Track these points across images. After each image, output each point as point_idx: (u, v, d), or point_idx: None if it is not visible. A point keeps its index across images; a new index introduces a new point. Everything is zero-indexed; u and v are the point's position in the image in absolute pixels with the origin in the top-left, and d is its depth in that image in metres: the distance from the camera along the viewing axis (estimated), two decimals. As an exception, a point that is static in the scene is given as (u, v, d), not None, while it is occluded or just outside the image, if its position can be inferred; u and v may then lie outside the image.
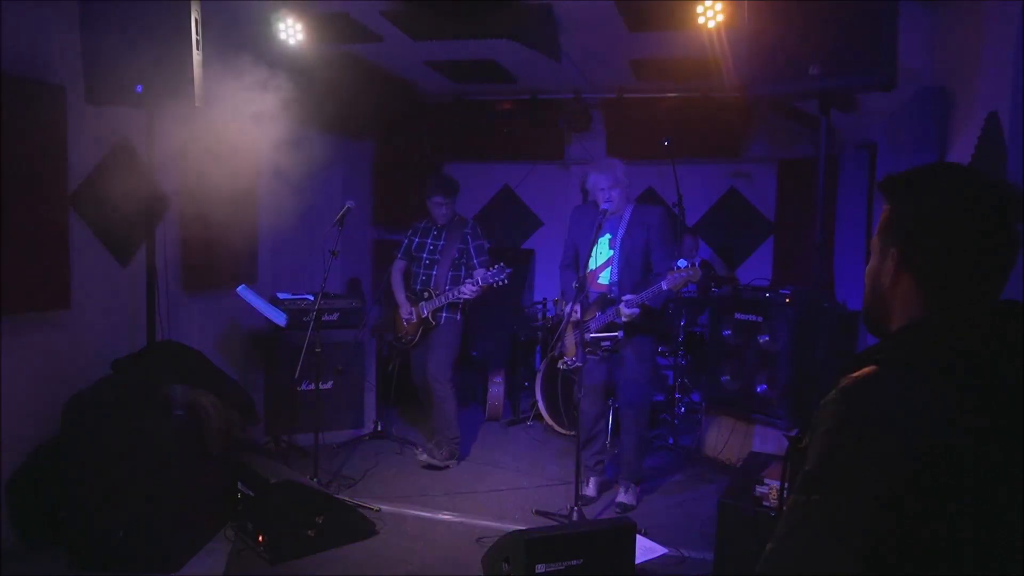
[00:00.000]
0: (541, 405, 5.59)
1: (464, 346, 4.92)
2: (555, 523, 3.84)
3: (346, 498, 3.93)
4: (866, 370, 1.03)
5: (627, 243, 4.06)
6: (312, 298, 4.70)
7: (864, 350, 1.09)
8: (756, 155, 6.74)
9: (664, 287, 3.72)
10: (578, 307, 4.02)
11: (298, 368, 4.34)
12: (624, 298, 3.91)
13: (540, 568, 2.91)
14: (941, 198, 1.09)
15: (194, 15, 3.33)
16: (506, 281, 4.39)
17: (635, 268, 4.06)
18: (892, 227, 1.13)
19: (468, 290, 4.45)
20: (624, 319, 3.91)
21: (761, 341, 4.68)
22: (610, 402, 4.67)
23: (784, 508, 1.04)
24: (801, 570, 0.95)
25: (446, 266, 4.69)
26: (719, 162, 6.82)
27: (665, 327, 5.04)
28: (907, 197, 1.12)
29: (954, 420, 0.94)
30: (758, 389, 4.68)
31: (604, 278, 4.14)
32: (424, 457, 4.71)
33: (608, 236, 4.12)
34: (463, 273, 4.68)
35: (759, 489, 2.98)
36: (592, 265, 4.15)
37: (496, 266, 4.40)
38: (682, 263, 3.65)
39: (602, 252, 4.15)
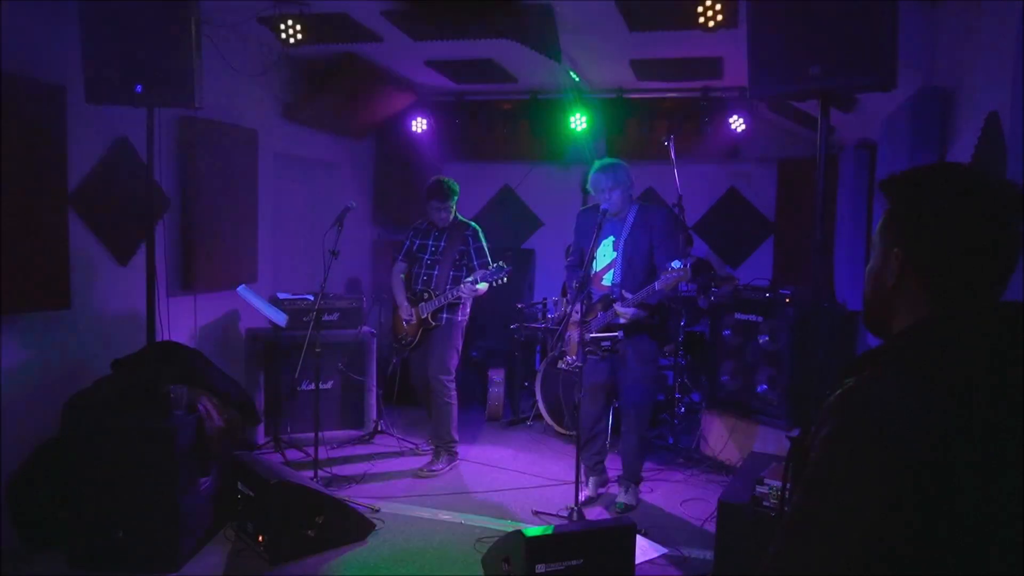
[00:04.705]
0: (541, 405, 5.59)
1: (464, 346, 4.91)
2: (555, 523, 3.84)
3: (346, 498, 3.93)
4: (868, 372, 1.03)
5: (630, 245, 4.07)
6: (312, 298, 4.70)
7: (867, 352, 1.09)
8: (756, 155, 6.73)
9: (657, 287, 3.75)
10: (580, 306, 4.03)
11: (298, 368, 4.33)
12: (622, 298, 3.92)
13: (540, 568, 2.91)
14: (944, 198, 1.08)
15: (194, 15, 3.32)
16: (505, 280, 4.40)
17: (638, 270, 4.06)
18: (894, 227, 1.13)
19: (466, 290, 4.45)
20: (623, 320, 3.92)
21: (761, 341, 4.68)
22: (614, 402, 4.68)
23: (786, 511, 1.04)
24: (804, 572, 0.95)
25: (447, 267, 4.68)
26: (719, 162, 6.82)
27: (666, 329, 5.04)
28: (910, 197, 1.12)
29: (956, 422, 0.93)
30: (758, 389, 4.68)
31: (607, 280, 4.15)
32: (424, 473, 4.65)
33: (612, 238, 4.13)
34: (464, 274, 4.67)
35: (759, 489, 2.98)
36: (596, 267, 4.16)
37: (495, 265, 4.40)
38: (676, 264, 3.68)
39: (605, 254, 4.16)
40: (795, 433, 4.17)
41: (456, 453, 4.86)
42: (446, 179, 4.72)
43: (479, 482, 4.60)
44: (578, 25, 4.52)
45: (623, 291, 4.00)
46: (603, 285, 4.17)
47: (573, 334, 4.16)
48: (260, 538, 3.48)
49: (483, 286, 4.45)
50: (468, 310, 4.80)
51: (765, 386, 4.65)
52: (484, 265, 4.59)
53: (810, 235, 3.11)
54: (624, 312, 3.89)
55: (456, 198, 4.73)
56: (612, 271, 4.13)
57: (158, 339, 3.70)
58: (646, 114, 6.33)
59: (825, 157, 2.89)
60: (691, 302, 5.69)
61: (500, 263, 4.42)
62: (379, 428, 5.40)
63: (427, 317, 4.63)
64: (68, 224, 3.69)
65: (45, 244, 3.54)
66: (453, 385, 4.74)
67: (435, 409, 4.74)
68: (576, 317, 4.05)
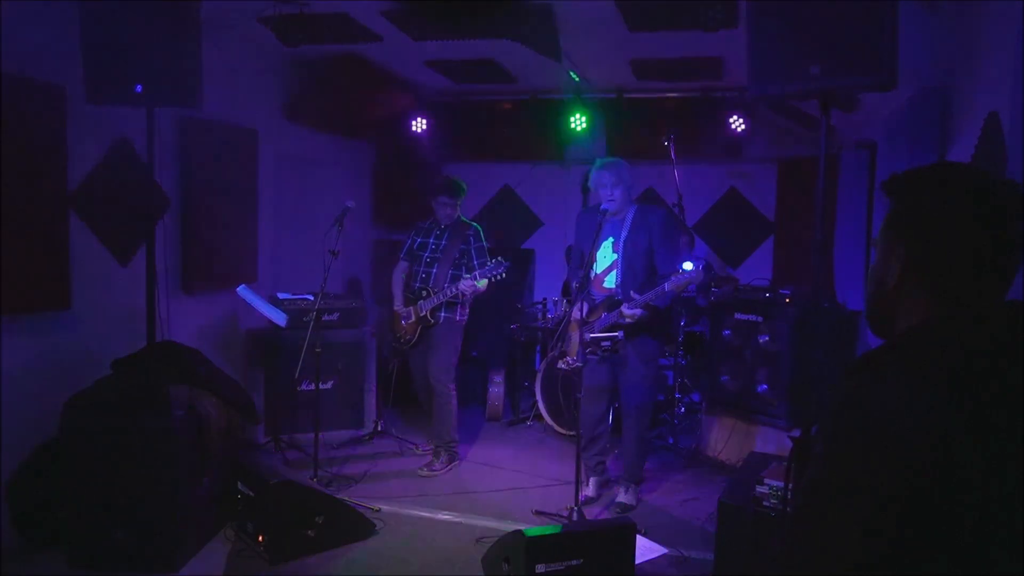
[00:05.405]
0: (541, 405, 5.59)
1: (465, 345, 4.92)
2: (555, 523, 3.84)
3: (346, 498, 3.93)
4: (870, 372, 1.03)
5: (629, 246, 4.07)
6: (312, 298, 4.70)
7: (870, 351, 1.09)
8: (756, 155, 6.72)
9: (667, 288, 3.74)
10: (585, 307, 4.03)
11: (298, 368, 4.33)
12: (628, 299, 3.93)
13: (540, 568, 2.91)
14: (946, 197, 1.08)
15: (194, 15, 3.32)
16: (504, 275, 4.41)
17: (638, 271, 4.06)
18: (897, 227, 1.13)
19: (466, 285, 4.46)
20: (628, 320, 3.92)
21: (761, 341, 4.68)
22: (615, 403, 4.67)
23: (790, 511, 1.04)
24: (807, 571, 0.96)
25: (447, 265, 4.68)
26: (719, 162, 6.82)
27: (669, 329, 5.05)
28: (913, 196, 1.12)
29: (956, 422, 0.93)
30: (758, 389, 4.68)
31: (609, 282, 4.15)
32: (424, 472, 4.68)
33: (611, 240, 4.13)
34: (463, 274, 4.68)
35: (759, 489, 2.98)
36: (597, 270, 4.16)
37: (494, 260, 4.42)
38: (688, 265, 3.69)
39: (606, 256, 4.16)
40: (796, 433, 4.17)
41: (456, 453, 4.86)
42: (456, 177, 4.82)
43: (479, 482, 4.60)
44: (578, 25, 4.52)
45: (631, 292, 4.00)
46: (605, 288, 4.17)
47: (574, 335, 4.16)
48: (260, 538, 3.47)
49: (483, 283, 4.46)
50: (467, 310, 4.80)
51: (765, 386, 4.65)
52: (484, 265, 4.61)
53: (810, 235, 3.11)
54: (632, 314, 3.89)
55: (463, 198, 4.78)
56: (614, 273, 4.13)
57: (158, 339, 3.70)
58: (646, 114, 6.33)
59: (825, 157, 2.89)
60: (690, 302, 5.70)
61: (498, 258, 4.44)
62: (379, 428, 5.39)
63: (425, 315, 4.63)
64: (68, 224, 3.69)
65: (45, 244, 3.54)
66: (453, 385, 4.74)
67: (435, 409, 4.74)
68: (578, 316, 4.04)
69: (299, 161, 6.05)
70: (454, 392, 4.75)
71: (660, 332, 4.26)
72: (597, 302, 4.15)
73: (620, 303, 3.98)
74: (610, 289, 4.14)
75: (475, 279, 4.44)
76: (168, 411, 3.44)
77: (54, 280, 3.60)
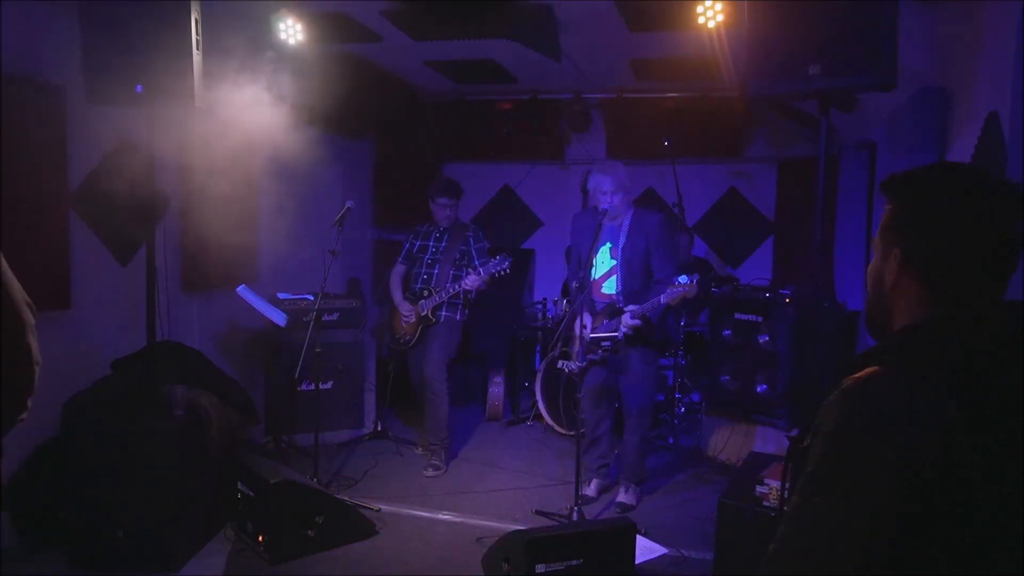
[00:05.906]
0: (541, 405, 5.59)
1: (465, 345, 4.92)
2: (555, 523, 3.84)
3: (346, 498, 3.93)
4: (868, 371, 1.03)
5: (628, 251, 4.07)
6: (312, 298, 4.70)
7: (866, 350, 1.09)
8: (756, 155, 6.73)
9: (663, 301, 3.76)
10: (588, 318, 4.03)
11: (298, 368, 4.34)
12: (627, 309, 3.93)
13: (540, 568, 2.91)
14: (945, 197, 1.08)
15: (194, 15, 3.32)
16: (508, 270, 4.42)
17: (636, 275, 4.07)
18: (895, 227, 1.13)
19: (472, 281, 4.46)
20: (627, 329, 3.93)
21: (761, 341, 4.68)
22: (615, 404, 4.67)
23: (786, 509, 1.04)
24: (804, 571, 0.96)
25: (448, 265, 4.69)
26: (719, 162, 6.82)
27: (666, 336, 5.05)
28: (910, 197, 1.12)
29: (956, 422, 0.93)
30: (758, 389, 4.68)
31: (608, 287, 4.15)
32: (430, 472, 4.68)
33: (609, 245, 4.13)
34: (464, 273, 4.68)
35: (759, 489, 2.99)
36: (595, 274, 4.16)
37: (497, 256, 4.43)
38: (682, 279, 3.68)
39: (604, 262, 4.15)
40: (795, 433, 4.17)
41: (449, 448, 4.85)
42: (452, 179, 4.86)
43: (479, 482, 4.60)
44: (578, 25, 4.52)
45: (627, 299, 4.00)
46: (604, 293, 4.17)
47: (576, 339, 4.16)
48: (260, 538, 3.47)
49: (487, 278, 4.47)
50: (467, 310, 4.81)
51: (765, 386, 4.65)
52: (487, 263, 4.62)
53: (810, 235, 3.11)
54: (633, 324, 3.91)
55: (460, 198, 4.80)
56: (613, 278, 4.13)
57: (158, 339, 3.70)
58: (646, 114, 6.33)
59: (825, 157, 2.89)
60: (690, 301, 5.70)
61: (502, 254, 4.46)
62: (379, 428, 5.39)
63: (427, 314, 4.64)
64: (69, 224, 3.69)
65: (45, 244, 3.54)
66: (446, 383, 4.74)
67: (429, 406, 4.75)
68: (579, 330, 4.04)
69: (299, 161, 6.04)
70: (446, 390, 4.75)
71: (659, 338, 4.27)
72: (598, 309, 4.15)
73: (621, 311, 3.99)
74: (610, 295, 4.14)
75: (479, 275, 4.45)
76: (168, 411, 3.44)
77: (54, 280, 3.60)
